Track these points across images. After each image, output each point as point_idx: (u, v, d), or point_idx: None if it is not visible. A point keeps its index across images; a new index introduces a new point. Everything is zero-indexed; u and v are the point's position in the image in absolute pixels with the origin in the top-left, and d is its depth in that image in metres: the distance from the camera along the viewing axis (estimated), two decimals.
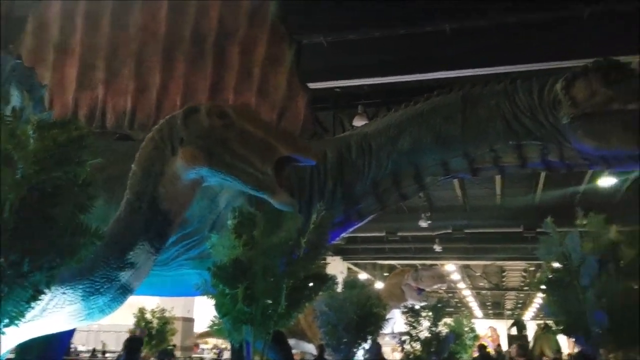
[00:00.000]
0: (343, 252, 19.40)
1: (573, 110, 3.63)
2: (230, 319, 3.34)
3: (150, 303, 12.05)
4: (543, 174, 12.25)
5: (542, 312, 19.94)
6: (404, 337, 6.77)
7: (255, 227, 3.38)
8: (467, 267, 24.64)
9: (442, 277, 10.08)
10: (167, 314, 12.27)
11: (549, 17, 7.12)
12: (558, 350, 10.90)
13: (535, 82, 3.95)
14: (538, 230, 4.23)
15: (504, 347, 17.57)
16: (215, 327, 3.61)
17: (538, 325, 15.54)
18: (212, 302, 3.41)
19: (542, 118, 3.83)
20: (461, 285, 28.02)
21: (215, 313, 3.45)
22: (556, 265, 4.18)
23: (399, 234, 16.89)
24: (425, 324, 6.80)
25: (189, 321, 15.85)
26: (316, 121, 4.48)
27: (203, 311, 12.54)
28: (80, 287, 2.33)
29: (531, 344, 13.03)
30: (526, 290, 28.06)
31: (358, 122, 8.88)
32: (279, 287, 3.38)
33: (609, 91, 3.55)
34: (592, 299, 3.74)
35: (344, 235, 4.92)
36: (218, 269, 3.29)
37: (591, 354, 3.92)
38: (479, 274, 26.32)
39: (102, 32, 4.39)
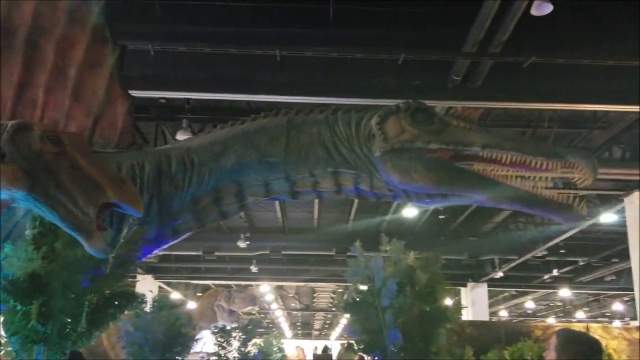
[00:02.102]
0: (155, 271, 18.66)
1: (384, 144, 3.91)
2: (21, 338, 3.02)
3: None
4: (356, 201, 13.07)
5: (346, 332, 21.05)
6: (212, 358, 6.67)
7: (57, 238, 3.12)
8: (280, 288, 25.16)
9: (254, 299, 10.13)
10: None
11: (370, 58, 7.70)
12: None
13: (354, 115, 4.19)
14: (348, 254, 4.50)
15: None
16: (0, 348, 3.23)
17: (342, 344, 16.34)
18: (0, 319, 3.07)
19: (358, 149, 4.06)
20: (274, 306, 28.50)
21: (1, 332, 3.10)
22: (362, 287, 4.44)
23: (217, 253, 16.76)
24: (235, 344, 6.78)
25: None
26: (136, 130, 4.28)
27: None
28: None
29: None
30: (334, 311, 29.42)
31: (181, 136, 8.70)
32: (80, 304, 3.15)
33: (414, 130, 3.90)
34: (389, 319, 4.04)
35: (156, 252, 4.73)
36: (10, 283, 2.97)
37: None
38: (291, 294, 27.02)
39: None
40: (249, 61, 7.65)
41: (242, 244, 15.28)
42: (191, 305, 14.31)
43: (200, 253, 16.32)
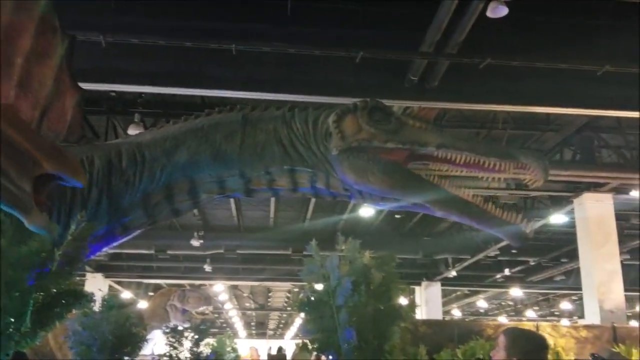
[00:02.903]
0: (105, 269, 18.24)
1: (341, 143, 3.88)
2: None
3: None
4: (313, 200, 13.08)
5: (301, 332, 21.03)
6: (163, 358, 6.53)
7: (1, 235, 2.98)
8: (235, 287, 24.97)
9: (209, 299, 9.96)
10: None
11: (327, 55, 7.68)
12: None
13: (311, 112, 4.14)
14: (304, 253, 4.47)
15: None
16: None
17: (297, 344, 16.32)
18: None
19: (315, 147, 4.02)
20: (228, 305, 28.25)
21: None
22: (317, 286, 4.41)
23: (169, 252, 16.49)
24: (187, 344, 6.65)
25: None
26: (86, 124, 4.13)
27: None
28: None
29: None
30: (289, 310, 29.38)
31: (133, 131, 8.51)
32: (24, 303, 3.01)
33: (371, 129, 3.88)
34: (344, 318, 4.02)
35: (106, 250, 4.59)
36: None
37: None
38: (246, 294, 26.85)
39: None
40: (204, 55, 7.53)
41: (195, 243, 15.07)
42: (142, 304, 14.03)
43: (152, 251, 16.03)
